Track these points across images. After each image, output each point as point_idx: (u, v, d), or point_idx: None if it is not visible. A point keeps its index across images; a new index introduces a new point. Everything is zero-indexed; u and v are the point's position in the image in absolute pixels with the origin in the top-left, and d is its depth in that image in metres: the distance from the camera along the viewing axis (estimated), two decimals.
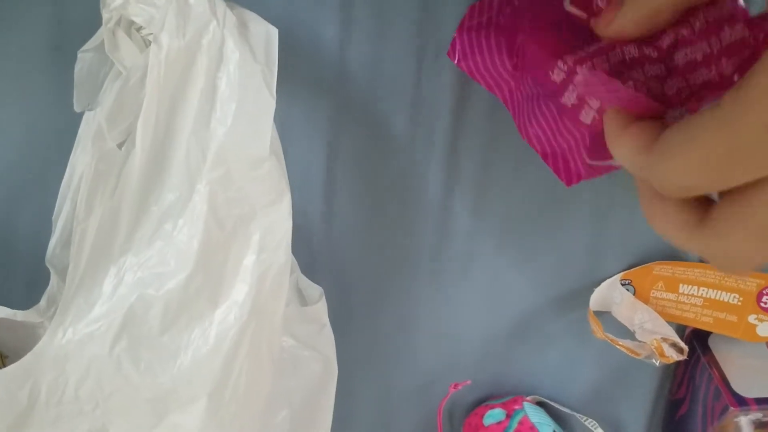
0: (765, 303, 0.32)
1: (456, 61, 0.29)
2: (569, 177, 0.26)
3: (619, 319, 0.34)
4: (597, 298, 0.34)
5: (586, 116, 0.23)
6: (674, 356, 0.31)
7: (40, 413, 0.26)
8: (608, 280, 0.35)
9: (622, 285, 0.34)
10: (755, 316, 0.33)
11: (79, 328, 0.25)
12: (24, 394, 0.25)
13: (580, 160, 0.25)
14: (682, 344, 0.31)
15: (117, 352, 0.25)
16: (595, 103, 0.22)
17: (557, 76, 0.23)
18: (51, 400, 0.26)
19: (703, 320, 0.33)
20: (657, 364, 0.32)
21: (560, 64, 0.23)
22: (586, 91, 0.22)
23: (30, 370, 0.25)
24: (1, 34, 0.32)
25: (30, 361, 0.25)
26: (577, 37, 0.23)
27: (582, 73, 0.22)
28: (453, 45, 0.29)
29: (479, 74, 0.29)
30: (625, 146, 0.20)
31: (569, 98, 0.23)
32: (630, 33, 0.22)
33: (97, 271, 0.25)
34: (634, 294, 0.34)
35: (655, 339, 0.31)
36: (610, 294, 0.34)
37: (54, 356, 0.25)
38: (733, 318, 0.33)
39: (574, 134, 0.25)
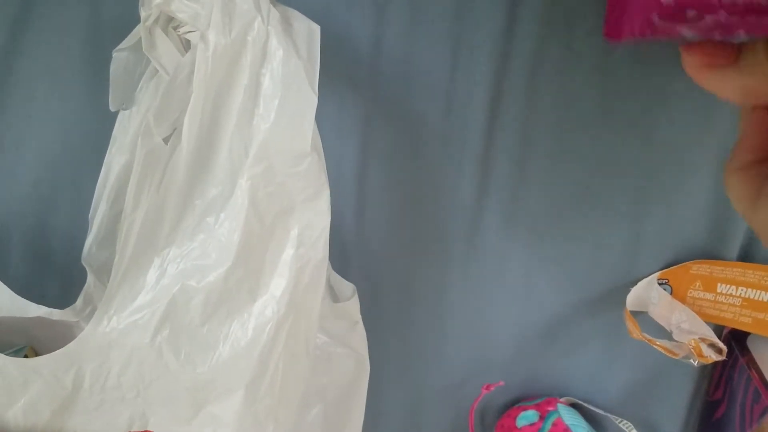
0: None
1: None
2: (613, 29, 0.24)
3: (656, 319, 0.34)
4: (633, 298, 0.34)
5: None
6: (713, 356, 0.31)
7: (83, 399, 0.26)
8: (645, 280, 0.35)
9: (660, 284, 0.34)
10: None
11: (122, 317, 0.26)
12: (69, 379, 0.26)
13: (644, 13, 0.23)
14: (721, 344, 0.31)
15: (158, 342, 0.26)
16: None
17: None
18: (95, 386, 0.26)
19: (742, 320, 0.33)
20: (695, 364, 0.31)
21: None
22: None
23: (75, 356, 0.26)
24: (38, 36, 0.33)
25: (75, 347, 0.26)
26: None
27: None
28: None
29: None
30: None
31: None
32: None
33: (141, 262, 0.26)
34: (671, 294, 0.34)
35: (693, 339, 0.31)
36: (647, 294, 0.34)
37: (98, 344, 0.26)
38: None
39: None
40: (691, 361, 0.31)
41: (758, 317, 0.34)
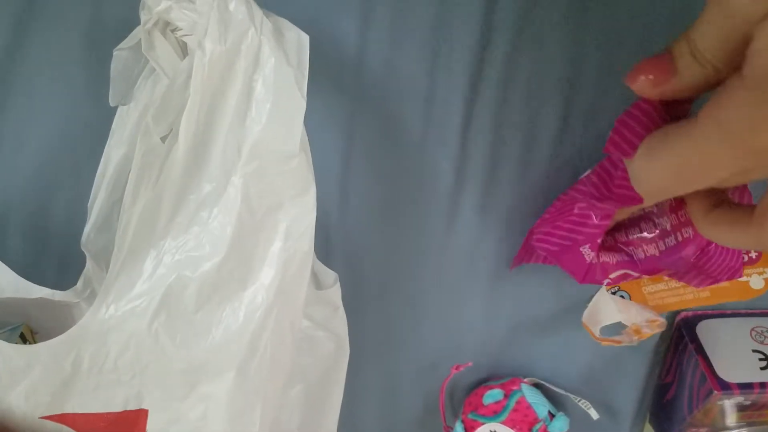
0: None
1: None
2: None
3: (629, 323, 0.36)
4: (589, 315, 0.36)
5: None
6: (651, 330, 0.33)
7: (82, 380, 0.28)
8: (596, 296, 0.37)
9: (615, 293, 0.36)
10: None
11: (121, 305, 0.27)
12: (68, 362, 0.27)
13: None
14: (660, 318, 0.33)
15: (155, 327, 0.27)
16: None
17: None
18: (92, 369, 0.28)
19: (702, 296, 0.35)
20: (636, 344, 0.34)
21: None
22: None
23: (74, 341, 0.27)
24: (42, 34, 0.34)
25: (75, 333, 0.27)
26: None
27: None
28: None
29: None
30: None
31: None
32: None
33: (139, 253, 0.27)
34: (630, 299, 0.36)
35: (632, 324, 0.33)
36: (606, 307, 0.36)
37: (97, 330, 0.27)
38: (726, 284, 0.36)
39: None
40: (633, 340, 0.34)
41: (714, 288, 0.36)
